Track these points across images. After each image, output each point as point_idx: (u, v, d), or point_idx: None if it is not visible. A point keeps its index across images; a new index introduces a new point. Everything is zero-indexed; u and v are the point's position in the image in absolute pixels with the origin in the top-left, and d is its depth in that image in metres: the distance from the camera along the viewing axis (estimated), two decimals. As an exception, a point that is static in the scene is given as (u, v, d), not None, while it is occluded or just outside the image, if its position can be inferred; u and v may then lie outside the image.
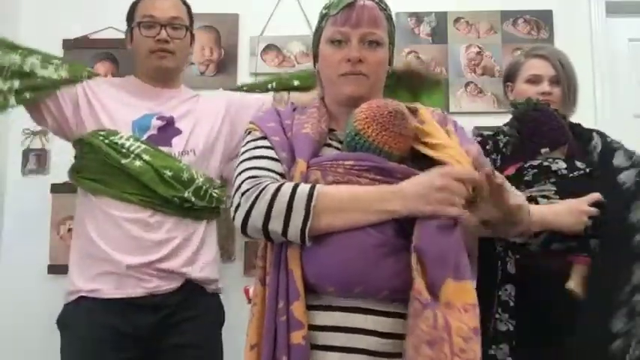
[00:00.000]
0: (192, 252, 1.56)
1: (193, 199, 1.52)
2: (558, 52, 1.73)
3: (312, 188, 1.01)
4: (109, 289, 1.50)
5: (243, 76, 2.31)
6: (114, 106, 1.60)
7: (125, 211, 1.51)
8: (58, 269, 2.17)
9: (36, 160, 2.26)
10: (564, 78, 1.65)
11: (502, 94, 2.07)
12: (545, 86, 1.65)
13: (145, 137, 1.57)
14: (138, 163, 1.50)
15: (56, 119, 1.59)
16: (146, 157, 1.51)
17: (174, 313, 1.52)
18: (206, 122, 1.67)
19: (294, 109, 1.22)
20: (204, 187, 1.56)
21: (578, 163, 1.57)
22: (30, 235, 2.20)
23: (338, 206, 1.00)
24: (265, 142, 1.14)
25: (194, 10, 2.30)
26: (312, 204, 0.99)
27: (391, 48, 1.21)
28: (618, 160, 1.58)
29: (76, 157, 1.64)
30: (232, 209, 1.06)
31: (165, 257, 1.51)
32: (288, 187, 1.02)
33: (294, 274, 1.01)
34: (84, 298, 1.52)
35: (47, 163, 2.26)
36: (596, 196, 1.50)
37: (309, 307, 1.02)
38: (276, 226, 1.00)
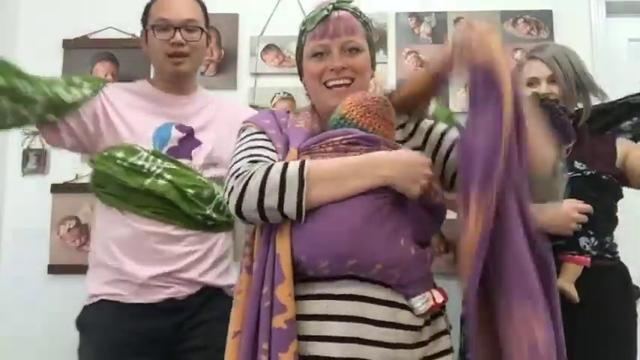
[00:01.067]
0: (212, 262, 1.56)
1: (214, 215, 1.52)
2: (554, 49, 1.72)
3: (302, 163, 1.04)
4: (129, 295, 1.49)
5: (243, 76, 2.31)
6: (133, 117, 1.56)
7: (147, 225, 1.50)
8: (58, 269, 2.18)
9: (36, 160, 2.26)
10: (560, 75, 1.65)
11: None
12: (542, 88, 1.66)
13: (165, 150, 1.54)
14: (161, 182, 1.49)
15: (77, 137, 1.54)
16: (168, 176, 1.50)
17: (194, 315, 1.52)
18: (228, 136, 1.55)
19: (287, 112, 1.26)
20: (223, 202, 1.54)
21: (578, 165, 1.57)
22: (30, 235, 2.20)
23: (330, 175, 1.03)
24: (262, 135, 1.17)
25: (194, 10, 2.31)
26: (305, 175, 1.01)
27: (372, 52, 1.25)
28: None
29: (95, 171, 1.58)
30: (226, 194, 1.07)
31: (186, 268, 1.51)
32: (278, 165, 1.05)
33: (281, 258, 1.01)
34: (105, 301, 1.52)
35: (47, 163, 2.27)
36: (589, 208, 1.51)
37: (301, 297, 1.02)
38: (271, 201, 1.01)
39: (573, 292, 1.47)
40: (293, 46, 2.37)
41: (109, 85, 1.62)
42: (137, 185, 1.48)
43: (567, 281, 1.48)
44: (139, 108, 1.59)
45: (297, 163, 1.04)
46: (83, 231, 2.19)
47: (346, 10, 1.20)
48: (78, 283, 2.08)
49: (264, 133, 1.17)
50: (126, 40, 2.30)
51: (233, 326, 1.06)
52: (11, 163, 2.27)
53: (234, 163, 1.12)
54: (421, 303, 1.04)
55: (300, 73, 1.28)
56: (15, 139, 2.28)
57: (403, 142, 1.20)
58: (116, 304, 1.49)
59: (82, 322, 1.57)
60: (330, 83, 1.18)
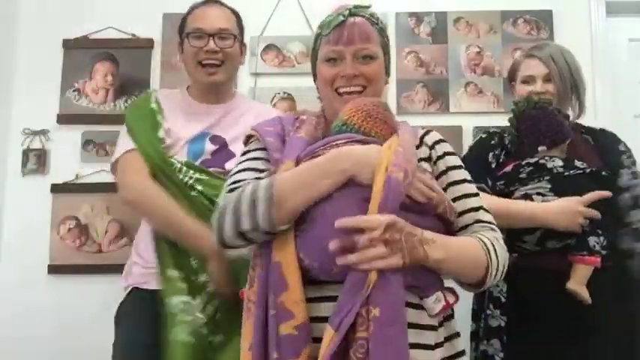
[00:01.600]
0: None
1: None
2: (552, 48, 1.72)
3: (272, 179, 1.03)
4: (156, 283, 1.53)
5: (244, 76, 2.31)
6: (171, 124, 1.60)
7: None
8: (58, 269, 2.18)
9: (36, 160, 2.26)
10: (557, 74, 1.65)
11: (502, 94, 2.08)
12: (538, 86, 1.66)
13: (199, 162, 1.57)
14: (192, 193, 1.52)
15: None
16: (199, 187, 1.52)
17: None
18: None
19: (296, 118, 1.24)
20: None
21: (578, 163, 1.58)
22: (30, 235, 2.20)
23: (299, 182, 1.01)
24: (257, 153, 1.17)
25: (194, 10, 2.32)
26: (273, 190, 1.01)
27: (387, 59, 1.24)
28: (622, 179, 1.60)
29: None
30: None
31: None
32: (249, 187, 1.04)
33: (283, 267, 1.00)
34: (136, 288, 1.57)
35: (47, 163, 2.26)
36: (596, 194, 1.50)
37: (314, 300, 1.00)
38: (245, 223, 1.01)
39: (585, 294, 1.46)
40: (293, 46, 2.39)
41: (157, 91, 1.73)
42: (172, 195, 1.51)
43: (578, 283, 1.47)
44: (177, 115, 1.63)
45: (266, 180, 1.04)
46: (83, 231, 2.19)
47: (363, 16, 1.19)
48: (78, 283, 2.10)
49: (263, 149, 1.16)
50: (126, 40, 2.30)
51: (245, 340, 1.04)
52: (11, 163, 2.27)
53: (224, 190, 1.13)
54: (434, 303, 1.03)
55: (314, 75, 1.27)
56: (15, 139, 2.27)
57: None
58: (145, 291, 1.54)
59: (116, 317, 1.62)
60: (342, 90, 1.18)
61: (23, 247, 2.21)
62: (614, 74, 2.33)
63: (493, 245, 1.08)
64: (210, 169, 1.57)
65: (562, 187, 1.53)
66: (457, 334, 1.10)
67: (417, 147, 1.16)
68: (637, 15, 2.41)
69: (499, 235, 1.13)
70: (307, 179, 1.02)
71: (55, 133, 2.27)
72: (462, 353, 1.09)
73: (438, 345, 1.03)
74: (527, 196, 1.55)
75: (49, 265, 2.18)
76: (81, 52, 2.31)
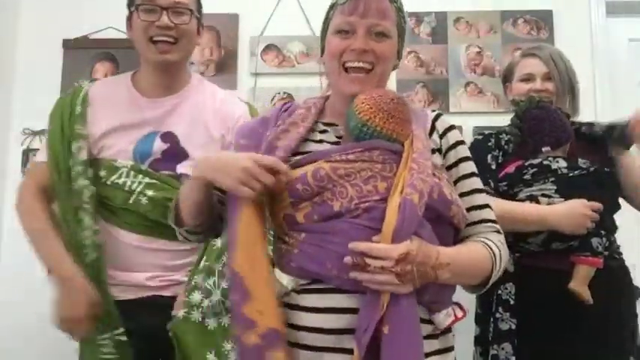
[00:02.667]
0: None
1: None
2: (551, 49, 1.74)
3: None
4: (118, 292, 1.46)
5: (244, 76, 2.31)
6: (112, 125, 1.46)
7: (136, 240, 1.44)
8: (58, 269, 2.17)
9: (36, 160, 2.26)
10: (556, 74, 1.66)
11: (502, 94, 2.07)
12: (537, 84, 1.67)
13: (147, 163, 1.45)
14: (143, 200, 1.41)
15: None
16: (149, 192, 1.42)
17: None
18: (219, 139, 1.50)
19: (284, 110, 1.19)
20: None
21: (581, 162, 1.57)
22: (30, 235, 2.20)
23: (187, 189, 1.11)
24: None
25: (194, 10, 2.31)
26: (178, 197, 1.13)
27: (400, 41, 1.17)
28: None
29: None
30: None
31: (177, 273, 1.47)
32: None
33: (244, 279, 0.98)
34: None
35: (47, 163, 2.26)
36: (598, 205, 1.50)
37: (323, 310, 0.99)
38: (170, 218, 1.17)
39: (587, 294, 1.47)
40: (293, 46, 2.40)
41: (94, 84, 1.56)
42: (122, 203, 1.42)
43: (581, 284, 1.47)
44: (120, 113, 1.47)
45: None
46: (83, 231, 2.19)
47: None
48: (78, 283, 2.09)
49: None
50: (126, 40, 2.28)
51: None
52: (11, 163, 2.27)
53: None
54: (445, 318, 1.03)
55: (322, 50, 1.20)
56: (15, 139, 2.28)
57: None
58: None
59: None
60: (349, 65, 1.11)
61: (23, 247, 2.20)
62: (614, 74, 2.33)
63: (500, 251, 1.08)
64: (161, 172, 1.44)
65: (567, 188, 1.53)
66: (452, 348, 1.09)
67: (430, 133, 1.14)
68: (637, 15, 2.41)
69: (503, 237, 1.12)
70: (188, 185, 1.10)
71: (55, 133, 2.26)
72: None
73: (434, 353, 1.03)
74: (532, 198, 1.54)
75: (49, 265, 2.18)
76: (81, 52, 2.31)
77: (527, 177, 1.57)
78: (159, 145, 1.45)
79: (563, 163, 1.56)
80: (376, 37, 1.11)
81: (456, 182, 1.13)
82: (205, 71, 2.31)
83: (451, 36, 2.35)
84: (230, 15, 2.35)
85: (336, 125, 1.16)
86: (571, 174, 1.55)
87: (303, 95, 2.23)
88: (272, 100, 2.28)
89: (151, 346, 1.42)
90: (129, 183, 1.42)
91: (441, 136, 1.15)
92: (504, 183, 1.59)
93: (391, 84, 2.25)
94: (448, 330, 1.08)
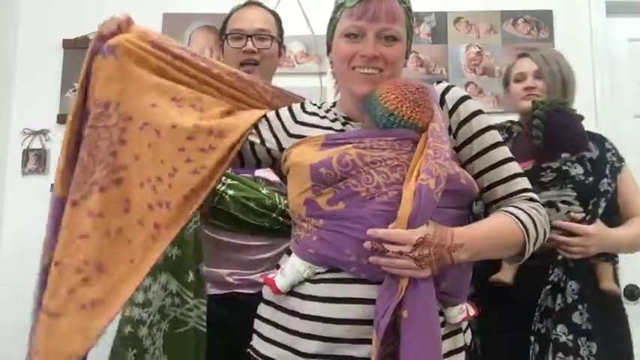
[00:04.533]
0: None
1: (281, 219, 1.54)
2: (545, 50, 1.75)
3: None
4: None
5: (243, 76, 2.31)
6: None
7: (219, 236, 1.54)
8: (58, 269, 2.18)
9: (36, 160, 2.26)
10: (546, 72, 1.65)
11: (502, 94, 2.08)
12: (528, 81, 1.67)
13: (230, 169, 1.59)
14: (227, 199, 1.53)
15: None
16: (231, 191, 1.53)
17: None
18: None
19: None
20: (286, 210, 1.54)
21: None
22: (30, 235, 2.19)
23: None
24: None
25: (193, 10, 2.32)
26: None
27: (409, 42, 1.16)
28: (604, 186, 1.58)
29: None
30: None
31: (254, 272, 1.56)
32: None
33: None
34: None
35: (47, 163, 2.26)
36: None
37: (338, 300, 1.00)
38: None
39: (617, 289, 1.52)
40: (293, 46, 2.39)
41: None
42: (209, 204, 1.51)
43: (610, 281, 1.52)
44: None
45: None
46: (83, 231, 2.19)
47: None
48: (78, 283, 2.09)
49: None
50: (126, 40, 2.30)
51: None
52: (11, 163, 2.27)
53: None
54: (458, 313, 1.03)
55: (329, 49, 1.18)
56: (15, 139, 2.28)
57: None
58: None
59: None
60: (359, 70, 1.10)
61: (23, 247, 2.20)
62: (614, 74, 2.33)
63: (530, 216, 1.04)
64: (240, 175, 1.58)
65: (586, 195, 1.53)
66: (463, 348, 1.08)
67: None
68: (637, 15, 2.41)
69: (536, 203, 1.09)
70: None
71: (55, 133, 2.27)
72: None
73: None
74: (551, 204, 1.53)
75: (49, 265, 2.18)
76: (81, 52, 2.28)
77: (544, 180, 1.55)
78: None
79: (580, 170, 1.55)
80: (386, 42, 1.09)
81: (477, 156, 1.09)
82: (205, 71, 2.31)
83: (451, 36, 2.35)
84: (230, 15, 2.35)
85: (352, 121, 1.16)
86: (587, 181, 1.54)
87: (303, 95, 2.24)
88: (272, 100, 2.29)
89: (228, 342, 1.49)
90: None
91: (450, 113, 1.10)
92: None
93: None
94: (459, 329, 1.08)
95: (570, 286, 1.47)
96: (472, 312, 1.07)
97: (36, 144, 2.27)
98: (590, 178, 1.55)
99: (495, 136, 1.10)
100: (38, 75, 2.30)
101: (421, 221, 0.95)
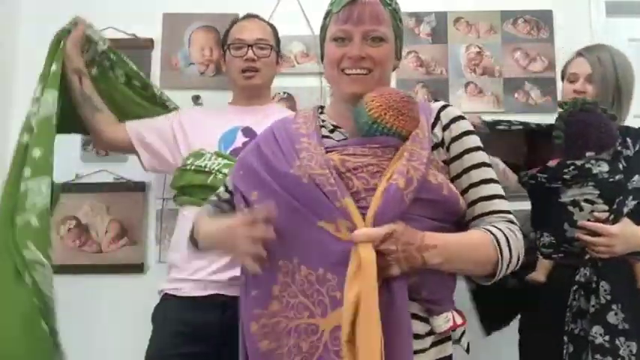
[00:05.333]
0: None
1: None
2: (602, 51, 1.70)
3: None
4: (184, 289, 1.65)
5: (243, 76, 2.31)
6: (203, 123, 1.80)
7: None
8: (58, 269, 2.15)
9: (36, 160, 2.26)
10: (599, 77, 1.63)
11: (502, 94, 2.07)
12: (578, 84, 1.65)
13: (229, 151, 1.73)
14: (220, 177, 1.63)
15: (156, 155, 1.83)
16: (225, 170, 1.63)
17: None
18: None
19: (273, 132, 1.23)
20: None
21: (621, 167, 1.57)
22: (30, 235, 2.20)
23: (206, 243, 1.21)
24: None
25: (193, 10, 2.32)
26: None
27: (398, 42, 1.19)
28: None
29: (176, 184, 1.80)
30: None
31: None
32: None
33: None
34: (167, 295, 1.71)
35: (47, 163, 2.26)
36: None
37: None
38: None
39: None
40: (293, 46, 2.39)
41: (184, 109, 1.97)
42: (201, 183, 1.66)
43: None
44: (211, 116, 1.83)
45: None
46: (83, 231, 2.19)
47: None
48: (78, 283, 2.09)
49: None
50: (126, 40, 2.29)
51: None
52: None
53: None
54: (443, 322, 1.03)
55: (322, 56, 1.24)
56: (15, 139, 2.27)
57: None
58: (174, 298, 1.67)
59: (152, 318, 1.73)
60: (347, 72, 1.14)
61: (23, 247, 2.20)
62: (614, 74, 2.33)
63: (506, 238, 1.05)
64: (234, 157, 1.69)
65: (610, 193, 1.52)
66: (450, 357, 1.09)
67: (432, 125, 1.13)
68: (637, 15, 2.41)
69: (515, 226, 1.09)
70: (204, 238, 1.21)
71: (55, 133, 2.26)
72: None
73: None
74: (575, 204, 1.54)
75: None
76: (81, 52, 2.30)
77: (566, 176, 1.56)
78: (240, 138, 1.77)
79: (605, 167, 1.55)
80: (372, 43, 1.13)
81: (462, 174, 1.11)
82: (205, 71, 2.30)
83: (451, 36, 2.35)
84: (230, 15, 2.33)
85: (341, 128, 1.18)
86: (611, 179, 1.54)
87: (304, 95, 2.24)
88: (272, 100, 2.28)
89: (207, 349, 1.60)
90: (209, 164, 1.69)
91: (444, 128, 1.13)
92: (544, 175, 1.59)
93: (391, 84, 2.25)
94: (447, 338, 1.08)
95: (602, 286, 1.47)
96: (459, 320, 1.06)
97: (36, 144, 2.27)
98: (617, 176, 1.54)
99: (482, 156, 1.13)
100: (38, 75, 2.30)
101: (388, 219, 0.95)
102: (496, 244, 1.04)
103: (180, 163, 1.77)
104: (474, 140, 1.14)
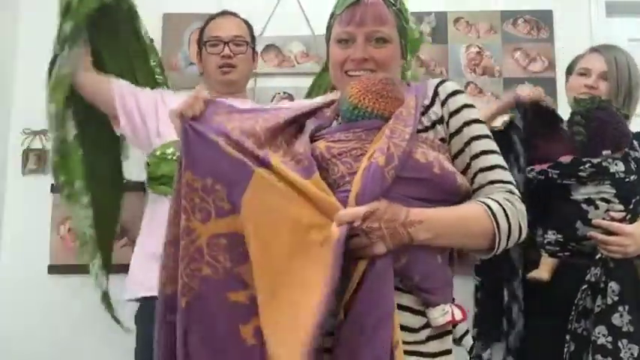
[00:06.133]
0: None
1: None
2: (620, 53, 1.70)
3: None
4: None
5: (243, 76, 2.31)
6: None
7: None
8: (58, 269, 2.18)
9: (36, 160, 2.26)
10: (614, 76, 1.62)
11: (502, 94, 2.07)
12: (591, 80, 1.63)
13: None
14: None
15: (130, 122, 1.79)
16: None
17: None
18: None
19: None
20: None
21: (633, 167, 1.57)
22: (30, 235, 2.20)
23: None
24: None
25: (193, 10, 2.32)
26: None
27: (403, 43, 1.18)
28: None
29: (149, 171, 1.78)
30: None
31: None
32: None
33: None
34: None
35: (47, 163, 2.26)
36: None
37: None
38: None
39: None
40: (293, 46, 2.39)
41: (167, 90, 1.94)
42: (169, 172, 1.61)
43: None
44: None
45: None
46: (83, 231, 2.19)
47: None
48: (78, 283, 2.09)
49: None
50: (126, 40, 2.30)
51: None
52: (11, 163, 2.26)
53: None
54: (440, 315, 1.00)
55: (328, 56, 1.23)
56: (15, 139, 2.27)
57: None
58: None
59: (136, 318, 1.70)
60: (351, 73, 1.14)
61: (23, 247, 2.21)
62: (614, 74, 2.33)
63: (503, 208, 1.01)
64: None
65: (626, 193, 1.52)
66: (450, 351, 1.06)
67: (431, 102, 1.11)
68: (637, 15, 2.41)
69: (514, 196, 1.05)
70: None
71: (55, 133, 2.26)
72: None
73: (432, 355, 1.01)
74: (589, 202, 1.53)
75: (49, 266, 2.18)
76: (81, 52, 2.30)
77: (582, 174, 1.54)
78: None
79: (621, 167, 1.54)
80: (376, 44, 1.13)
81: (463, 148, 1.08)
82: (205, 71, 2.30)
83: (451, 36, 2.35)
84: (230, 15, 2.35)
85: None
86: (627, 179, 1.53)
87: (304, 95, 2.24)
88: (272, 100, 2.28)
89: None
90: (170, 151, 1.69)
91: (443, 104, 1.11)
92: (556, 171, 1.57)
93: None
94: (447, 332, 1.05)
95: (610, 287, 1.45)
96: (459, 316, 1.02)
97: (36, 144, 2.27)
98: (632, 177, 1.53)
99: (482, 129, 1.10)
100: (38, 75, 2.30)
101: (369, 198, 0.95)
102: (490, 215, 1.00)
103: (153, 144, 1.75)
104: (474, 113, 1.11)
